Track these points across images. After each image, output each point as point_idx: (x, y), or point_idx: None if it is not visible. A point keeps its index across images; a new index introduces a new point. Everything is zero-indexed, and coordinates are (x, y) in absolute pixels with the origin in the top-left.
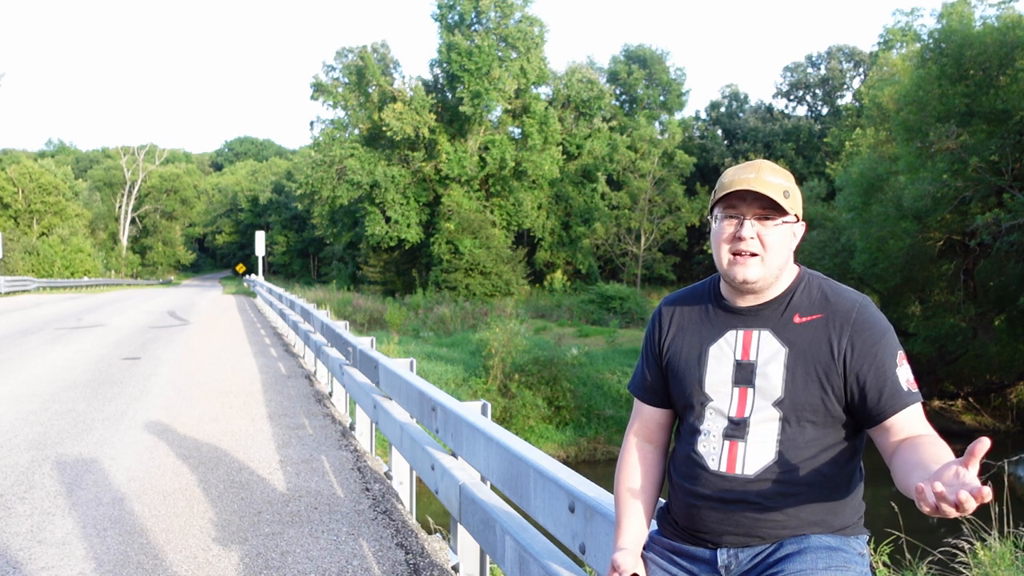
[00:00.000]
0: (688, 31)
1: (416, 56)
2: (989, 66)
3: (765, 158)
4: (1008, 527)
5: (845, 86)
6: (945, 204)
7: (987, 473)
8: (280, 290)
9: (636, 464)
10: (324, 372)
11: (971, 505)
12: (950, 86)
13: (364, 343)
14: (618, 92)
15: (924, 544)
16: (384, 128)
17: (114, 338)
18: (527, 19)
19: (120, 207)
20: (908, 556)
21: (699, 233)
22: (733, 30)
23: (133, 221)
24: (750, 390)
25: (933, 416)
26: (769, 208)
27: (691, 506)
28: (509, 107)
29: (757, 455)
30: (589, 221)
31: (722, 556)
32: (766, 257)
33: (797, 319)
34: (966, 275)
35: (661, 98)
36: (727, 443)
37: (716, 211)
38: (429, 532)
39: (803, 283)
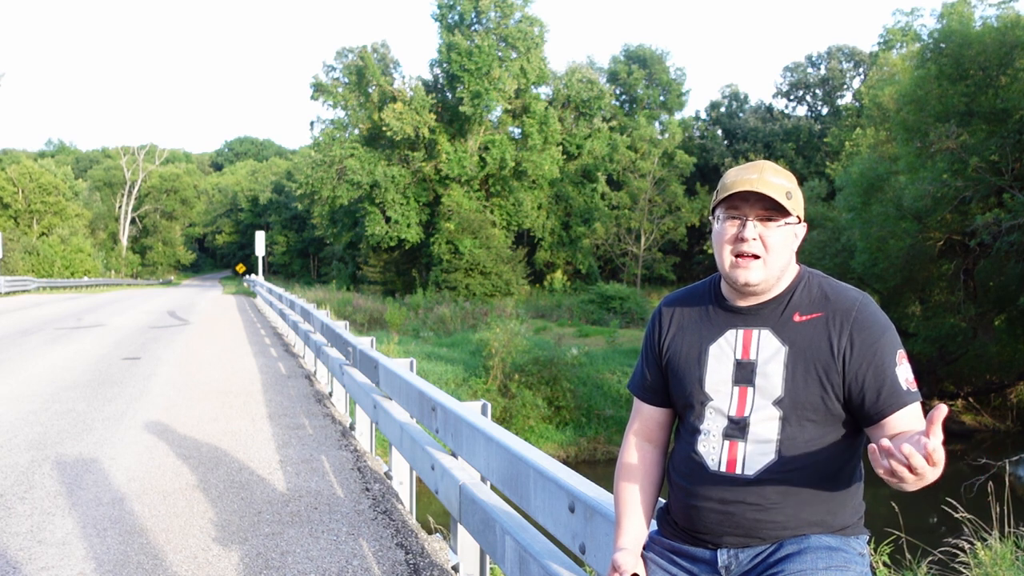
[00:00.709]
0: (688, 31)
1: (416, 56)
2: (989, 66)
3: (765, 158)
4: (1009, 527)
5: (845, 86)
6: (945, 204)
7: (987, 473)
8: (280, 290)
9: (636, 464)
10: (324, 372)
11: (918, 461)
12: (950, 86)
13: (364, 343)
14: (618, 92)
15: (924, 544)
16: (384, 128)
17: (114, 338)
18: (527, 19)
19: (120, 207)
20: (908, 556)
21: (699, 233)
22: (733, 30)
23: (133, 221)
24: (750, 389)
25: None
26: (772, 209)
27: (691, 506)
28: (509, 107)
29: (757, 455)
30: (589, 221)
31: (722, 556)
32: (768, 258)
33: (797, 318)
34: (966, 275)
35: (661, 98)
36: (727, 443)
37: (718, 212)
38: (429, 532)
39: (803, 282)
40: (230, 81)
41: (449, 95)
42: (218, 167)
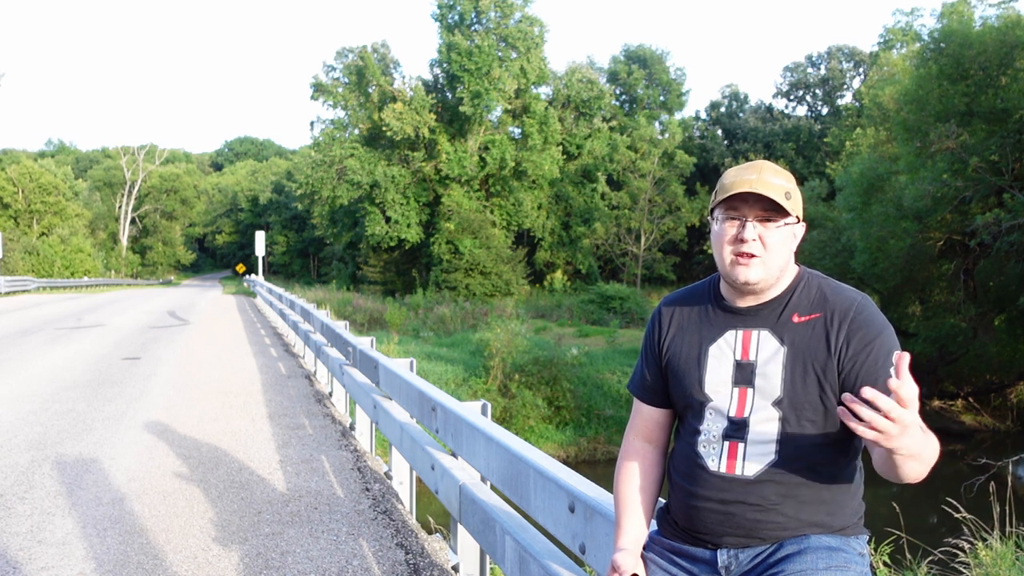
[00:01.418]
0: (688, 31)
1: (416, 56)
2: (989, 66)
3: (765, 158)
4: (1011, 527)
5: (845, 86)
6: (945, 204)
7: (987, 473)
8: (280, 290)
9: (636, 464)
10: (324, 372)
11: (884, 403)
12: (950, 86)
13: (364, 343)
14: (618, 92)
15: (924, 544)
16: (384, 128)
17: (114, 338)
18: (527, 19)
19: (120, 207)
20: (908, 556)
21: (699, 233)
22: (733, 30)
23: (133, 221)
24: (750, 390)
25: (933, 416)
26: (771, 210)
27: (691, 506)
28: (509, 107)
29: (757, 455)
30: (589, 221)
31: (722, 556)
32: (768, 258)
33: (796, 318)
34: (966, 275)
35: (661, 98)
36: (727, 443)
37: (717, 212)
38: (429, 532)
39: (802, 283)
40: (230, 81)
41: (449, 95)
42: (218, 167)
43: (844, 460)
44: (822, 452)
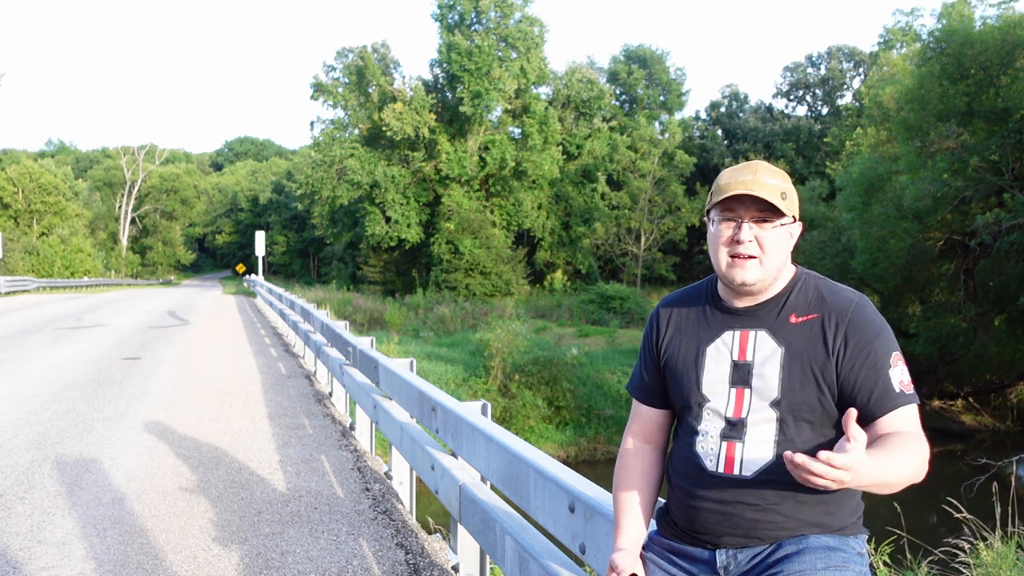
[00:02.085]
0: (688, 31)
1: (416, 56)
2: (990, 65)
3: (765, 158)
4: (1013, 526)
5: (845, 86)
6: (945, 204)
7: (987, 473)
8: (280, 290)
9: (635, 465)
10: (324, 372)
11: (818, 468)
12: (951, 85)
13: (364, 343)
14: (618, 92)
15: (925, 544)
16: (384, 128)
17: (114, 338)
18: (527, 19)
19: (120, 207)
20: (909, 556)
21: (699, 233)
22: (733, 30)
23: (133, 221)
24: (747, 391)
25: (933, 416)
26: (767, 211)
27: (689, 507)
28: (509, 107)
29: (755, 456)
30: (589, 221)
31: (721, 557)
32: (764, 259)
33: (793, 319)
34: (966, 275)
35: (661, 98)
36: (725, 444)
37: (713, 213)
38: (429, 532)
39: (800, 283)
40: (230, 81)
41: (449, 95)
42: (218, 167)
43: None
44: (820, 452)
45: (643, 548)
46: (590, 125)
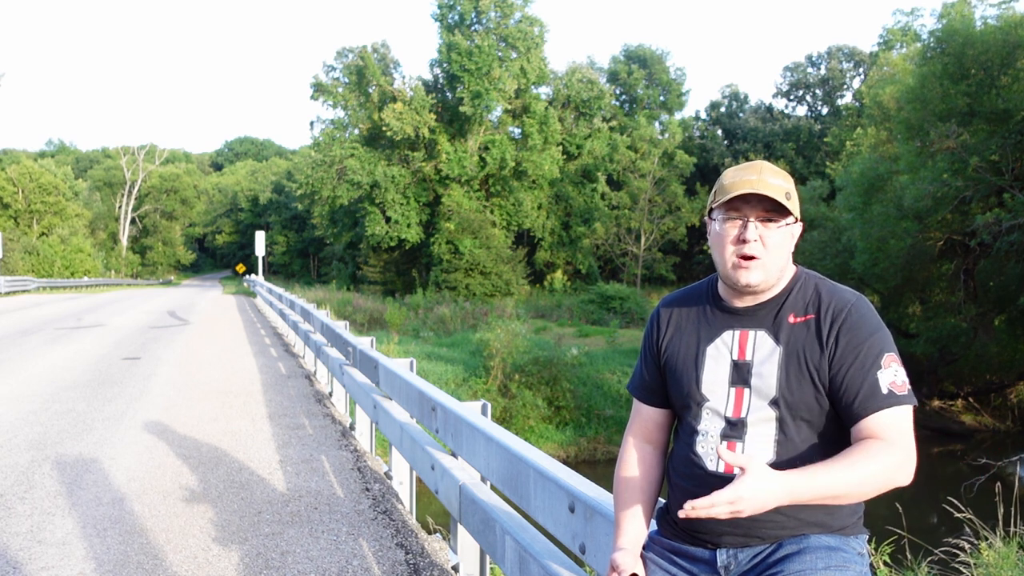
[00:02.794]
0: (688, 31)
1: (416, 56)
2: (991, 66)
3: (765, 158)
4: (1014, 527)
5: (845, 86)
6: (945, 204)
7: (987, 473)
8: (280, 290)
9: (635, 464)
10: (324, 372)
11: (699, 510)
12: (952, 85)
13: (364, 343)
14: (618, 92)
15: (925, 544)
16: (384, 128)
17: (114, 338)
18: (527, 19)
19: (120, 207)
20: (909, 556)
21: (699, 233)
22: (733, 30)
23: (133, 221)
24: (746, 390)
25: (933, 416)
26: (773, 210)
27: None
28: (509, 107)
29: (755, 455)
30: (589, 221)
31: (721, 556)
32: (768, 259)
33: (792, 319)
34: (966, 275)
35: (661, 98)
36: (725, 443)
37: (716, 213)
38: (429, 532)
39: (799, 283)
40: (230, 81)
41: (449, 95)
42: (218, 167)
43: None
44: (819, 451)
45: (643, 548)
46: (590, 125)
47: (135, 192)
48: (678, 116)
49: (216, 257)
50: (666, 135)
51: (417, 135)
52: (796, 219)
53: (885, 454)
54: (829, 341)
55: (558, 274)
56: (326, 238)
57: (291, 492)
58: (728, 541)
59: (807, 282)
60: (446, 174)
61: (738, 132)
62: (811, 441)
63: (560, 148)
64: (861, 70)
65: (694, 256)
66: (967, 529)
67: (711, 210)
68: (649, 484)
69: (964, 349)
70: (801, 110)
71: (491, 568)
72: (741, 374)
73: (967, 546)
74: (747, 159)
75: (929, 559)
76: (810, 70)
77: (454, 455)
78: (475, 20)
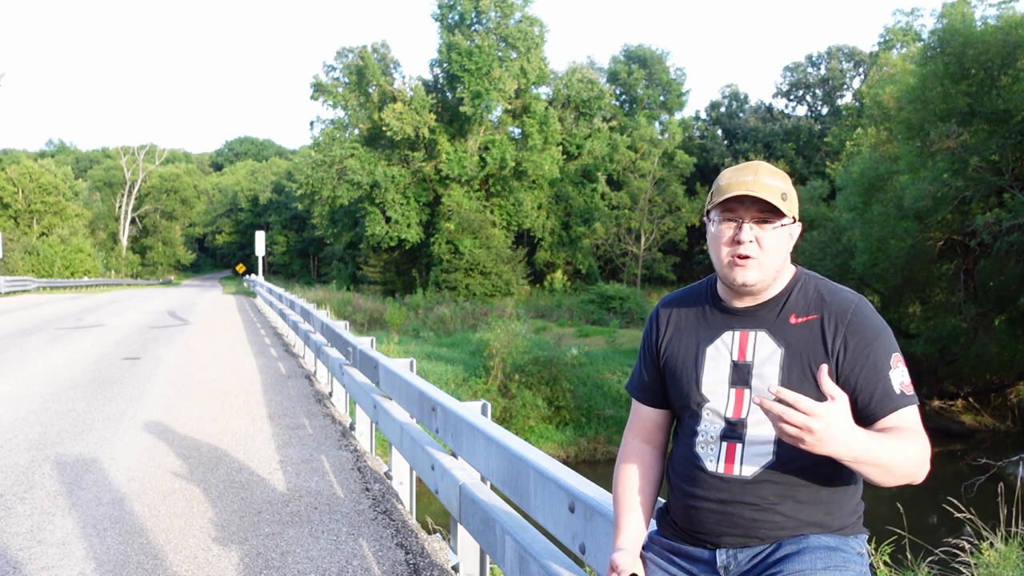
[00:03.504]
0: (688, 31)
1: (416, 56)
2: (991, 66)
3: (765, 158)
4: (1016, 527)
5: (845, 86)
6: (945, 204)
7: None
8: (280, 290)
9: (635, 465)
10: (324, 372)
11: (804, 404)
12: (952, 85)
13: (364, 343)
14: (618, 92)
15: (925, 543)
16: (384, 128)
17: (114, 338)
18: (527, 19)
19: (120, 207)
20: (909, 556)
21: (699, 233)
22: (733, 30)
23: (133, 221)
24: (746, 391)
25: (933, 416)
26: (767, 211)
27: (689, 507)
28: (509, 107)
29: (754, 456)
30: (589, 221)
31: (721, 556)
32: (765, 260)
33: (793, 320)
34: (966, 275)
35: (661, 98)
36: (724, 444)
37: (713, 214)
38: (429, 532)
39: (799, 284)
40: (230, 81)
41: (449, 95)
42: (218, 167)
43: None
44: (820, 454)
45: (643, 548)
46: (590, 125)
47: (135, 192)
48: (678, 116)
49: (216, 257)
50: (666, 135)
51: (417, 135)
52: (794, 219)
53: (919, 441)
54: (836, 344)
55: (558, 274)
56: (326, 238)
57: (291, 492)
58: (728, 541)
59: (807, 283)
60: (446, 174)
61: (738, 132)
62: None
63: (560, 148)
64: (861, 70)
65: (694, 256)
66: (967, 529)
67: (709, 211)
68: (649, 484)
69: (964, 349)
70: (801, 110)
71: (491, 568)
72: (741, 375)
73: (967, 546)
74: (747, 159)
75: (929, 559)
76: (810, 70)
77: (454, 455)
78: (475, 20)
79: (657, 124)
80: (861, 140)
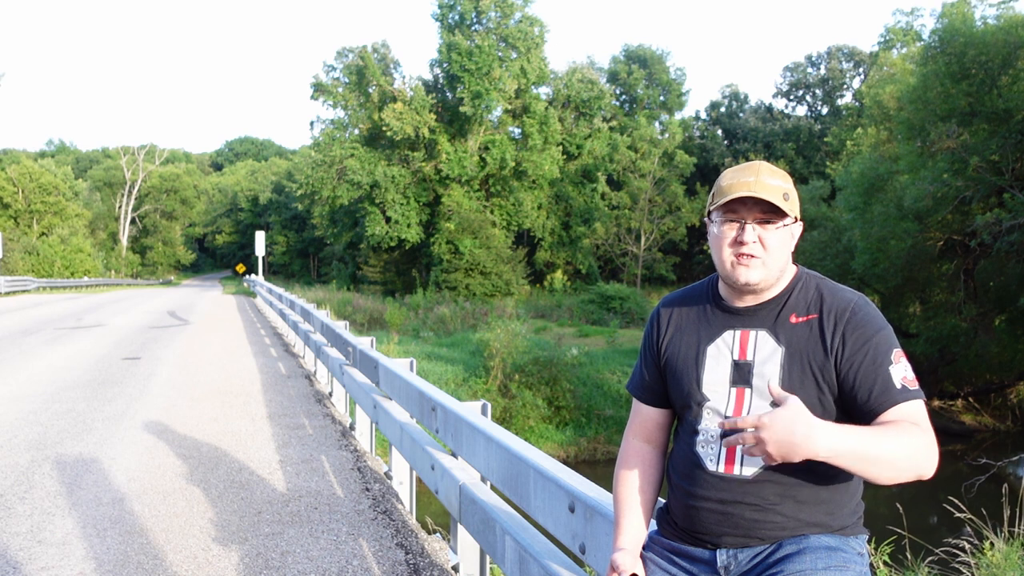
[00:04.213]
0: (688, 31)
1: (416, 56)
2: (991, 66)
3: (765, 158)
4: (1017, 527)
5: (845, 86)
6: (946, 204)
7: (987, 473)
8: (280, 290)
9: (635, 464)
10: (324, 372)
11: (746, 422)
12: (953, 85)
13: (364, 343)
14: (618, 92)
15: (925, 543)
16: (384, 128)
17: (114, 338)
18: (527, 19)
19: (120, 207)
20: (909, 556)
21: (699, 233)
22: (733, 30)
23: (133, 221)
24: (747, 390)
25: (933, 416)
26: (769, 212)
27: (690, 507)
28: (509, 107)
29: (755, 456)
30: (589, 221)
31: (721, 556)
32: (767, 259)
33: (793, 319)
34: (966, 275)
35: (661, 98)
36: (725, 443)
37: (715, 215)
38: (429, 532)
39: (800, 283)
40: (230, 81)
41: (449, 95)
42: (218, 167)
43: None
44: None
45: (643, 548)
46: (590, 125)
47: (135, 192)
48: (678, 116)
49: (216, 257)
50: (666, 135)
51: (417, 135)
52: (795, 219)
53: (918, 433)
54: (835, 341)
55: (558, 274)
56: (326, 238)
57: (291, 492)
58: (728, 541)
59: (808, 282)
60: (446, 174)
61: (738, 132)
62: None
63: (560, 148)
64: (861, 70)
65: (694, 256)
66: (967, 529)
67: (710, 211)
68: (649, 484)
69: (964, 349)
70: (801, 110)
71: (491, 568)
72: (742, 374)
73: (967, 546)
74: (747, 159)
75: (929, 559)
76: (810, 70)
77: (454, 455)
78: (475, 20)
79: (657, 124)
80: (861, 140)
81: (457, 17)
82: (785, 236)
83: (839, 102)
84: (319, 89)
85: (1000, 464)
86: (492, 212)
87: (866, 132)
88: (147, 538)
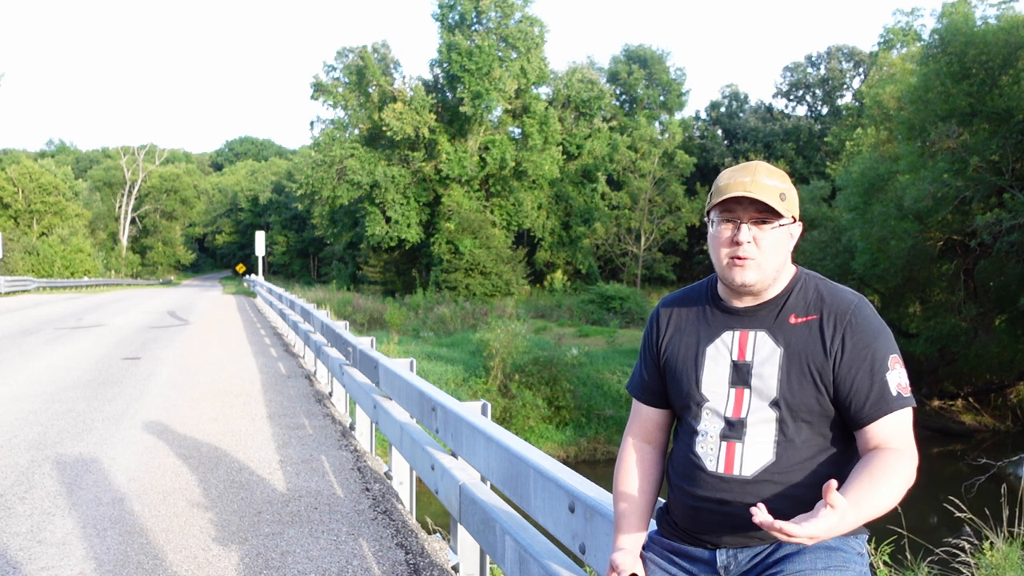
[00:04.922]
0: (688, 31)
1: (416, 56)
2: (992, 66)
3: (765, 158)
4: (1018, 527)
5: (845, 86)
6: (946, 204)
7: (987, 473)
8: (280, 290)
9: (635, 465)
10: (324, 372)
11: (773, 527)
12: (953, 85)
13: (364, 343)
14: (618, 92)
15: (925, 543)
16: (384, 128)
17: (114, 338)
18: (527, 19)
19: (120, 207)
20: (909, 556)
21: (699, 233)
22: (733, 30)
23: (133, 221)
24: (746, 391)
25: (933, 416)
26: (765, 212)
27: (689, 507)
28: (509, 107)
29: (754, 456)
30: (589, 221)
31: (721, 556)
32: (763, 260)
33: (793, 320)
34: (967, 275)
35: (661, 98)
36: (724, 444)
37: (713, 214)
38: (429, 532)
39: (799, 284)
40: (230, 81)
41: (449, 95)
42: (218, 167)
43: (842, 460)
44: (820, 452)
45: (643, 548)
46: (590, 125)
47: (135, 192)
48: (678, 116)
49: (216, 257)
50: (666, 135)
51: (417, 135)
52: (793, 219)
53: (902, 465)
54: (834, 344)
55: (558, 274)
56: (326, 238)
57: (291, 492)
58: (728, 541)
59: (808, 283)
60: (446, 174)
61: (738, 132)
62: (811, 442)
63: (560, 148)
64: (861, 70)
65: (694, 256)
66: (967, 529)
67: (708, 211)
68: (649, 484)
69: (964, 349)
70: (801, 110)
71: (491, 568)
72: (741, 375)
73: (967, 546)
74: (747, 159)
75: (929, 559)
76: (810, 70)
77: (454, 455)
78: (475, 20)
79: (657, 124)
80: (861, 140)
81: (457, 17)
82: (782, 236)
83: (839, 102)
84: (319, 89)
85: (1000, 464)
86: (492, 212)
87: (866, 132)
88: (147, 538)
